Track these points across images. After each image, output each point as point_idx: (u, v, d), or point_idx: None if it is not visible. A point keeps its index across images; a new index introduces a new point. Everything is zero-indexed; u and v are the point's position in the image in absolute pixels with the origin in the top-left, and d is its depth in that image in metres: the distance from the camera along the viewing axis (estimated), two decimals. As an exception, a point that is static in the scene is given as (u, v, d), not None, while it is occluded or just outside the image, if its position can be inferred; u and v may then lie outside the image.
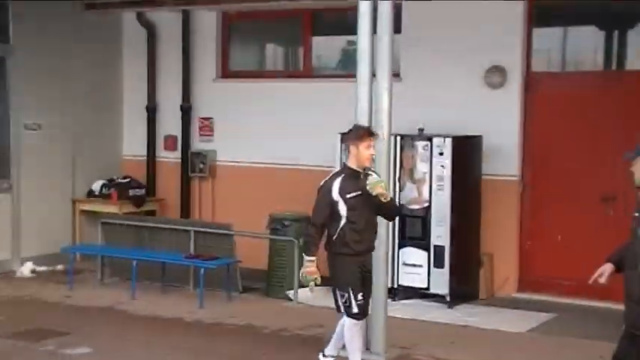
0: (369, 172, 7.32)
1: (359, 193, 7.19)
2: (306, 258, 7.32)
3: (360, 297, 7.22)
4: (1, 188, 12.22)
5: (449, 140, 10.25)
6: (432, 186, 10.31)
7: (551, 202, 10.77)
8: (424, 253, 10.35)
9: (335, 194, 7.26)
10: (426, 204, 10.36)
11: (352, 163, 7.33)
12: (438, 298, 10.35)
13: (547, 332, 9.29)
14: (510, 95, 10.84)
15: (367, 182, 7.15)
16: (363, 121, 8.13)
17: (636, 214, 5.50)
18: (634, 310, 5.45)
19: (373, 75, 8.08)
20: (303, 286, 7.87)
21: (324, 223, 7.35)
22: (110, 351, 8.49)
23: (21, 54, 12.25)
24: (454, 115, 10.73)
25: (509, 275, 10.98)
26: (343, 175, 7.37)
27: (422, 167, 10.37)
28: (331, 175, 7.54)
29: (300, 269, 10.21)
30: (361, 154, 7.24)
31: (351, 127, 7.63)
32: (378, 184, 7.14)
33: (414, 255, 10.41)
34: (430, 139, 10.33)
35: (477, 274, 10.82)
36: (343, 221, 7.24)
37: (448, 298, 10.29)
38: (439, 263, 10.27)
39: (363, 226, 7.29)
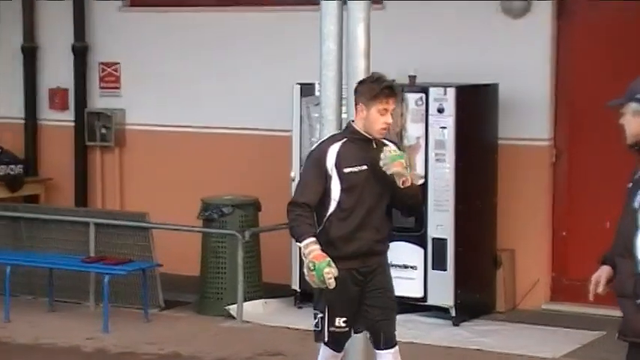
0: (386, 141, 6.92)
1: (364, 167, 6.71)
2: (300, 244, 6.67)
3: (339, 322, 6.74)
4: None
5: (451, 91, 10.31)
6: (429, 155, 10.40)
7: (595, 176, 10.82)
8: (419, 250, 10.45)
9: (329, 165, 6.74)
10: (421, 181, 10.22)
11: (360, 126, 6.84)
12: (439, 311, 10.45)
13: (591, 357, 9.48)
14: (537, 25, 10.92)
15: (382, 155, 6.66)
16: (330, 66, 8.25)
17: (630, 185, 5.69)
18: (629, 310, 5.60)
19: (344, 0, 8.18)
20: (321, 289, 6.52)
21: (310, 203, 6.75)
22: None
23: None
24: (459, 56, 10.87)
25: (537, 278, 11.06)
26: (345, 139, 6.87)
27: (414, 130, 10.47)
28: (327, 137, 7.19)
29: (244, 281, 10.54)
30: (371, 119, 6.73)
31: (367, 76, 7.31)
32: (397, 160, 6.68)
33: (405, 252, 10.37)
34: (425, 90, 10.40)
35: (492, 277, 10.94)
36: (332, 207, 6.74)
37: (453, 313, 10.37)
38: (440, 264, 10.32)
39: (360, 217, 6.75)
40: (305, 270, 6.54)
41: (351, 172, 6.67)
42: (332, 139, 6.99)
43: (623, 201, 5.74)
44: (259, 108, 11.71)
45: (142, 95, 12.97)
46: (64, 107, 13.52)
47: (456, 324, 10.38)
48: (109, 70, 13.27)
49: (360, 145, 6.76)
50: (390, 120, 6.73)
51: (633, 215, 5.55)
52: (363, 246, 6.74)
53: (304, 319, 7.58)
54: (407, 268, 10.39)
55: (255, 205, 11.11)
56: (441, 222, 10.33)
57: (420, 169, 10.37)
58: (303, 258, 6.59)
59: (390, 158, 6.61)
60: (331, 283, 6.35)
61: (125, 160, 13.06)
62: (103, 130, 13.05)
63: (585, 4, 11.01)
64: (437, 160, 10.41)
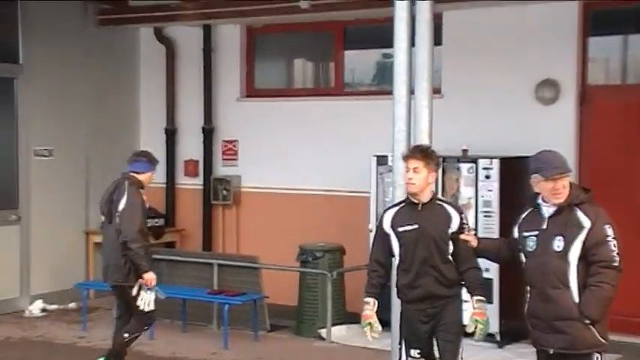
0: (442, 203, 6.79)
1: (415, 227, 6.46)
2: (364, 300, 6.69)
3: (414, 353, 6.59)
4: (9, 220, 12.23)
5: (496, 162, 10.14)
6: (478, 212, 10.21)
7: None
8: (471, 288, 10.20)
9: (386, 226, 6.65)
10: (473, 232, 10.18)
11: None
12: (487, 337, 10.16)
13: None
14: (564, 111, 10.70)
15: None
16: (401, 143, 8.04)
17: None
18: (577, 328, 5.91)
19: (412, 91, 7.97)
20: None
21: (382, 260, 6.70)
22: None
23: (31, 74, 12.30)
24: (502, 134, 10.62)
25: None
26: (403, 204, 6.74)
27: (466, 192, 10.27)
28: (392, 204, 7.05)
29: (332, 310, 10.39)
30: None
31: None
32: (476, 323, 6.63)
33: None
34: (475, 161, 10.23)
35: (529, 309, 10.63)
36: (396, 261, 6.65)
37: (499, 337, 10.13)
38: (487, 298, 10.10)
39: (417, 267, 6.48)
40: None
41: (404, 230, 6.50)
42: (394, 205, 6.93)
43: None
44: (345, 174, 11.56)
45: (253, 165, 12.87)
46: (195, 174, 13.48)
47: (500, 346, 10.16)
48: (229, 145, 13.20)
49: (411, 208, 6.58)
50: (410, 175, 6.48)
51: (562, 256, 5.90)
52: (424, 291, 6.48)
53: (379, 341, 7.31)
54: (463, 302, 10.18)
55: (340, 251, 11.01)
56: (488, 266, 10.02)
57: (471, 224, 10.15)
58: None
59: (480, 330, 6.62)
60: (369, 338, 6.63)
61: (241, 215, 12.94)
62: (224, 192, 12.98)
63: (604, 94, 10.73)
64: (485, 216, 10.20)
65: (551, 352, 6.04)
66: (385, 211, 6.81)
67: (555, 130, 10.56)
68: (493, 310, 10.01)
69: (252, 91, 13.18)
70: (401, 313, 6.76)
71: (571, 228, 5.87)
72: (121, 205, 8.66)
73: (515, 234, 6.28)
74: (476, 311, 6.35)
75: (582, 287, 5.85)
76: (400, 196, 8.02)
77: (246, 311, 10.61)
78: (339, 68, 12.66)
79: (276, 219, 12.35)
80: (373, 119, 10.73)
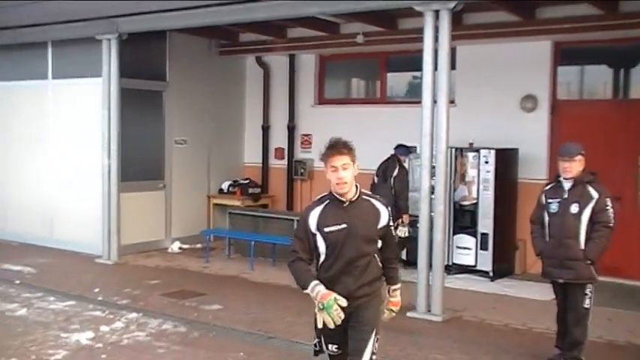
0: (369, 197, 4.59)
1: (343, 226, 4.42)
2: (306, 291, 4.48)
3: (331, 348, 4.66)
4: (159, 187, 12.40)
5: (492, 152, 10.12)
6: (479, 187, 10.16)
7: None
8: (473, 239, 10.18)
9: (312, 227, 4.49)
10: (475, 201, 10.19)
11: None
12: (482, 273, 10.16)
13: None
14: (540, 117, 10.62)
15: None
16: (426, 137, 8.06)
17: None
18: (580, 266, 6.23)
19: (434, 101, 8.00)
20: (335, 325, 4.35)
21: (304, 257, 4.55)
22: (235, 308, 8.54)
23: (173, 88, 12.48)
24: (497, 133, 10.54)
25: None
26: (327, 201, 4.52)
27: (471, 172, 10.24)
28: (315, 200, 4.68)
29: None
30: (329, 177, 4.48)
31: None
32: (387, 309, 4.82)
33: (465, 240, 10.24)
34: (478, 151, 10.20)
35: (513, 255, 10.61)
36: (322, 258, 4.56)
37: (491, 274, 10.10)
38: (484, 247, 10.11)
39: (340, 266, 4.46)
40: (317, 312, 4.40)
41: (331, 230, 4.43)
42: (316, 202, 4.60)
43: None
44: (384, 158, 11.36)
45: (322, 151, 12.71)
46: (282, 157, 13.48)
47: (492, 280, 10.07)
48: (305, 138, 13.21)
49: (337, 206, 4.46)
50: (341, 174, 4.36)
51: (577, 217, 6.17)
52: (343, 288, 4.42)
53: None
54: (466, 249, 10.19)
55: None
56: (485, 224, 10.10)
57: (474, 194, 10.14)
58: (315, 302, 4.40)
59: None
60: (339, 318, 4.28)
61: (312, 186, 12.86)
62: (302, 170, 13.00)
63: (567, 106, 10.63)
64: (484, 189, 10.15)
65: (561, 282, 6.34)
66: (309, 210, 4.56)
67: (534, 131, 10.58)
68: (488, 256, 10.05)
69: (322, 100, 13.17)
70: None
71: (584, 198, 6.15)
72: (395, 173, 10.06)
73: (543, 200, 6.45)
74: (392, 300, 4.77)
75: (587, 239, 6.13)
76: (426, 178, 8.10)
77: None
78: (382, 85, 12.61)
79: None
80: (405, 120, 10.69)
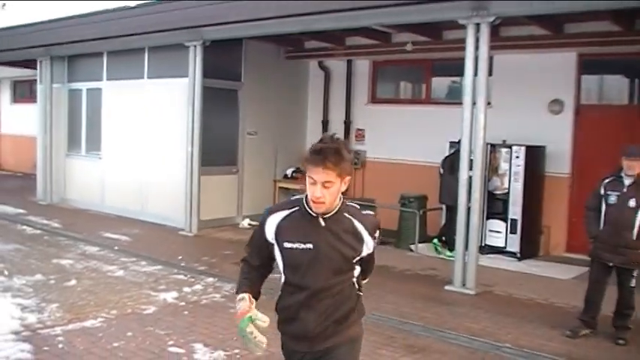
0: (350, 216, 3.01)
1: (308, 246, 2.91)
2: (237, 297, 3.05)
3: None
4: (232, 172, 12.52)
5: (523, 148, 10.00)
6: (511, 178, 10.05)
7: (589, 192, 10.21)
8: (503, 224, 10.09)
9: (269, 234, 3.00)
10: (506, 190, 10.08)
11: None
12: (511, 254, 10.06)
13: (585, 279, 8.84)
14: (565, 119, 10.43)
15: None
16: (466, 134, 8.04)
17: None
18: (630, 253, 6.12)
19: (474, 103, 7.95)
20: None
21: (256, 264, 3.12)
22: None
23: (247, 87, 12.57)
24: (527, 131, 10.42)
25: (560, 241, 10.57)
26: (296, 208, 2.99)
27: (504, 165, 10.13)
28: (283, 201, 3.19)
29: (418, 234, 10.14)
30: (307, 186, 2.93)
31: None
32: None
33: (496, 224, 10.15)
34: (510, 147, 10.09)
35: (538, 239, 10.47)
36: (282, 279, 3.07)
37: (518, 254, 10.00)
38: (513, 230, 10.01)
39: (303, 297, 2.95)
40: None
41: (291, 247, 2.93)
42: (281, 206, 3.05)
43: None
44: (429, 151, 11.42)
45: (374, 144, 12.84)
46: (338, 149, 13.40)
47: (519, 260, 9.97)
48: (359, 132, 13.17)
49: (306, 218, 2.93)
50: (319, 194, 2.83)
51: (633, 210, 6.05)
52: (301, 328, 2.97)
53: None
54: (497, 232, 10.11)
55: (425, 198, 10.92)
56: (515, 211, 10.01)
57: (505, 184, 10.06)
58: None
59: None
60: (260, 344, 2.83)
61: (365, 174, 12.87)
62: (356, 160, 12.89)
63: (590, 110, 10.40)
64: (514, 180, 10.05)
65: (611, 265, 6.28)
66: (270, 212, 3.03)
67: (560, 131, 10.40)
68: (516, 239, 9.97)
69: (374, 99, 13.12)
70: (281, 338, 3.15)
71: None
72: None
73: (602, 191, 6.33)
74: None
75: (639, 230, 6.09)
76: (465, 170, 8.07)
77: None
78: (427, 87, 12.52)
79: (386, 177, 12.27)
80: (447, 119, 10.67)
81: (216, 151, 12.01)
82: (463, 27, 8.04)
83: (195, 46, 11.14)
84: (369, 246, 3.05)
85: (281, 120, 13.32)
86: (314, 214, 2.92)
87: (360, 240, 3.01)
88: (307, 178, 2.88)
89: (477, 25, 7.88)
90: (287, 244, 2.94)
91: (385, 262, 9.67)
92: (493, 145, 10.09)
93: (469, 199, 8.06)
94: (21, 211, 13.32)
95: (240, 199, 12.62)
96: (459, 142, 8.87)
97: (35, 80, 15.63)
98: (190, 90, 11.27)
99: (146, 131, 12.81)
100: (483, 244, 10.00)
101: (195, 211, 11.33)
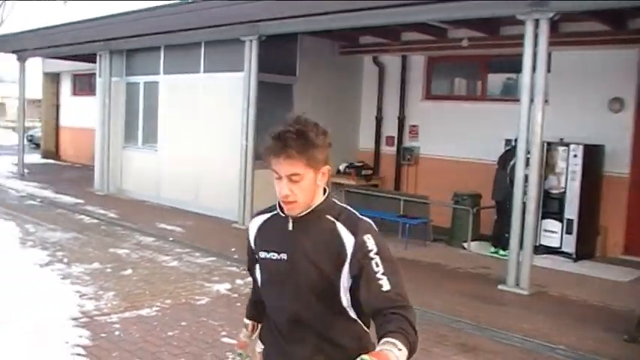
0: (332, 218, 2.29)
1: (282, 257, 2.27)
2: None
3: None
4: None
5: (581, 147, 9.82)
6: (567, 177, 9.88)
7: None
8: (559, 224, 9.91)
9: (252, 240, 2.44)
10: (563, 190, 9.92)
11: None
12: (566, 254, 9.89)
13: (645, 283, 8.75)
14: (626, 118, 10.19)
15: None
16: (522, 131, 7.95)
17: None
18: None
19: (531, 100, 7.85)
20: None
21: (256, 286, 2.54)
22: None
23: (301, 82, 12.67)
24: (585, 130, 10.20)
25: (617, 242, 10.33)
26: (275, 211, 2.38)
27: (561, 164, 9.96)
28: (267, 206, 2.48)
29: (471, 232, 10.07)
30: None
31: None
32: None
33: (552, 224, 9.98)
34: (568, 145, 9.91)
35: (595, 240, 10.25)
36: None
37: (574, 255, 9.82)
38: (569, 231, 9.84)
39: (286, 328, 2.30)
40: None
41: (266, 257, 2.33)
42: (263, 211, 2.48)
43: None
44: (484, 149, 11.34)
45: (427, 140, 12.79)
46: (392, 145, 13.48)
47: (575, 261, 9.77)
48: (413, 128, 13.14)
49: (280, 222, 2.32)
50: (285, 191, 2.21)
51: None
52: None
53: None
54: (553, 232, 9.96)
55: (478, 196, 10.82)
56: (571, 211, 9.83)
57: (562, 184, 9.90)
58: None
59: None
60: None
61: (418, 171, 12.87)
62: (409, 156, 12.97)
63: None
64: (571, 179, 9.87)
65: None
66: (253, 215, 2.51)
67: (620, 130, 10.17)
68: (572, 239, 9.81)
69: (429, 95, 13.06)
70: None
71: None
72: (512, 162, 9.10)
73: None
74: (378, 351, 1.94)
75: None
76: (521, 168, 7.98)
77: (419, 228, 10.60)
78: (483, 84, 12.41)
79: (440, 174, 12.20)
80: (502, 116, 10.58)
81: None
82: (521, 23, 7.95)
83: (251, 41, 11.26)
84: (350, 247, 2.18)
85: (334, 115, 13.28)
86: (284, 217, 2.30)
87: (340, 245, 2.19)
88: (273, 172, 2.22)
89: (536, 20, 7.77)
90: (262, 254, 2.34)
91: (437, 259, 9.66)
92: (550, 144, 9.93)
93: (524, 198, 7.96)
94: (79, 200, 13.72)
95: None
96: (514, 140, 8.81)
97: (94, 74, 16.10)
98: (245, 84, 11.41)
99: (201, 124, 13.01)
100: (538, 244, 9.84)
101: (249, 204, 11.47)
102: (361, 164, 13.41)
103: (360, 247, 2.18)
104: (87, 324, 6.06)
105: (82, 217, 11.92)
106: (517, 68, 8.12)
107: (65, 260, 8.44)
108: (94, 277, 7.72)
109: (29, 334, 5.69)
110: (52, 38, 15.88)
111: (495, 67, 12.27)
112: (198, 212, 12.62)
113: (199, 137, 13.03)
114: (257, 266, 2.41)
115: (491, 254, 10.01)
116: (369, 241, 2.19)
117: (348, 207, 2.34)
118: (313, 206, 2.27)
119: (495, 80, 12.52)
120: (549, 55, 8.30)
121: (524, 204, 7.96)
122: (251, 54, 11.29)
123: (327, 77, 13.11)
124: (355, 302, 2.22)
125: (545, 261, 9.54)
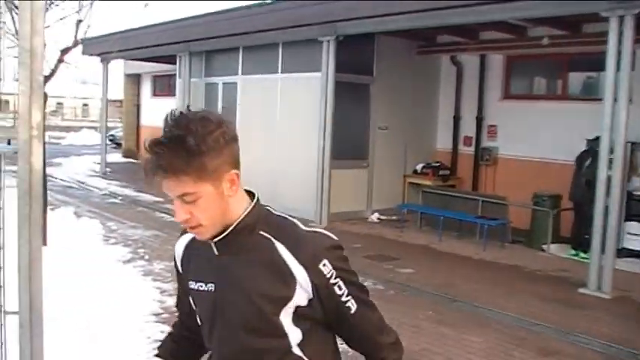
0: (279, 243, 1.72)
1: (210, 287, 1.77)
2: None
3: None
4: (363, 166, 12.74)
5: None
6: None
7: None
8: (641, 226, 9.74)
9: (179, 264, 1.96)
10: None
11: None
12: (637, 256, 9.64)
13: None
14: None
15: None
16: (606, 131, 7.81)
17: None
18: None
19: (615, 99, 7.73)
20: None
21: (182, 315, 2.09)
22: (425, 272, 8.72)
23: (378, 82, 12.74)
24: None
25: None
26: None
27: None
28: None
29: (551, 234, 9.88)
30: None
31: None
32: None
33: (636, 227, 9.72)
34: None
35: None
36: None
37: (649, 257, 9.60)
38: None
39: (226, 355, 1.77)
40: None
41: (196, 288, 1.82)
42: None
43: None
44: (563, 149, 11.10)
45: (506, 141, 12.64)
46: (470, 145, 13.40)
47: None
48: (491, 128, 13.03)
49: (206, 248, 1.76)
50: (182, 216, 1.67)
51: None
52: None
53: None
54: (637, 235, 9.75)
55: (558, 197, 10.63)
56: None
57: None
58: None
59: None
60: None
61: (496, 171, 12.74)
62: (487, 157, 12.86)
63: None
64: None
65: None
66: (181, 233, 1.95)
67: None
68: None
69: (508, 95, 12.92)
70: None
71: None
72: (587, 162, 9.54)
73: None
74: None
75: None
76: (603, 169, 7.84)
77: (497, 230, 10.51)
78: (564, 83, 12.19)
79: (519, 175, 12.05)
80: (584, 115, 10.38)
81: (347, 144, 12.26)
82: (605, 20, 7.82)
83: (328, 41, 11.44)
84: (309, 289, 1.69)
85: (412, 115, 13.39)
86: (208, 242, 1.78)
87: (287, 277, 1.69)
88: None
89: (621, 17, 7.64)
90: (191, 284, 1.86)
91: (516, 261, 9.59)
92: (634, 144, 9.68)
93: (607, 200, 7.83)
94: (159, 199, 14.18)
95: (369, 193, 12.82)
96: (595, 140, 8.66)
97: (174, 75, 16.63)
98: (323, 84, 11.60)
99: (279, 124, 13.28)
100: (621, 247, 9.63)
101: (326, 204, 11.66)
102: (438, 164, 13.39)
103: (319, 281, 1.69)
104: (168, 320, 6.22)
105: (162, 215, 12.35)
106: (599, 66, 7.99)
107: (146, 257, 8.79)
108: (174, 274, 7.95)
109: (112, 329, 5.87)
110: (134, 40, 16.54)
111: (576, 65, 12.04)
112: (275, 211, 12.84)
113: (277, 137, 13.29)
114: (190, 299, 1.90)
115: (572, 257, 9.86)
116: (326, 268, 1.70)
117: (285, 215, 1.84)
118: (235, 223, 1.75)
119: (576, 79, 12.28)
120: (633, 53, 8.12)
121: (606, 206, 7.85)
122: (328, 54, 11.47)
123: (404, 77, 13.14)
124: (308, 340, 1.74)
125: (628, 264, 9.32)
